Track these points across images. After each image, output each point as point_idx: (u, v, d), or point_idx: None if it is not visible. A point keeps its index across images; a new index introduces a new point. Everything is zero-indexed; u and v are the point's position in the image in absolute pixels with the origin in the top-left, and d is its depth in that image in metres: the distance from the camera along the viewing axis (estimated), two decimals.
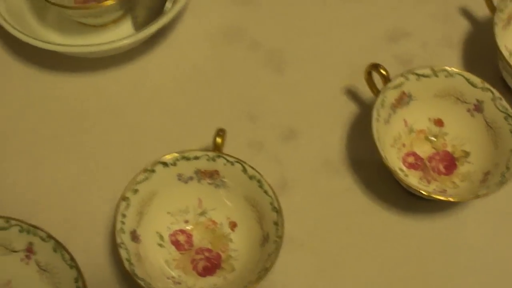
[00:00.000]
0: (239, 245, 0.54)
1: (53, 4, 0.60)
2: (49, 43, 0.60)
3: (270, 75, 0.64)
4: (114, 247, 0.51)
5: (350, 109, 0.62)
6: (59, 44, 0.61)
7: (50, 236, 0.49)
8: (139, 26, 0.65)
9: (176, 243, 0.54)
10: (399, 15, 0.69)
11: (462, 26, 0.68)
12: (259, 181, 0.53)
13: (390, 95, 0.57)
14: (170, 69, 0.64)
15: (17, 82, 0.64)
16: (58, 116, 0.61)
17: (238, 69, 0.65)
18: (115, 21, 0.66)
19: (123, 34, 0.64)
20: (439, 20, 0.69)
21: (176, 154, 0.53)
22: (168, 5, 0.64)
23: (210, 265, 0.53)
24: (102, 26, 0.66)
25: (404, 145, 0.59)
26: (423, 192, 0.53)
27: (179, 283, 0.52)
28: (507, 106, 0.56)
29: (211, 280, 0.53)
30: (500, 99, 0.57)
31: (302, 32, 0.67)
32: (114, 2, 0.60)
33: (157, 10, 0.65)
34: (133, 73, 0.64)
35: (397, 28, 0.68)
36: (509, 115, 0.56)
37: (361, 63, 0.61)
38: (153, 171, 0.53)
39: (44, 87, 0.63)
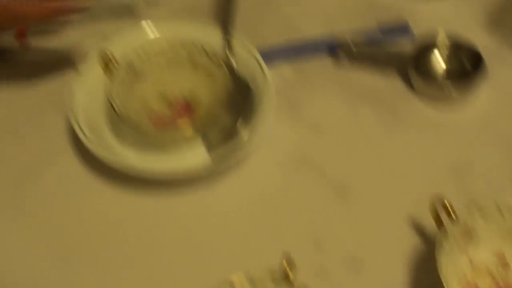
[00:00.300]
0: None
1: (132, 126, 0.64)
2: (121, 162, 0.63)
3: (336, 202, 0.66)
4: None
5: (413, 240, 0.63)
6: (128, 164, 0.64)
7: None
8: (212, 148, 0.68)
9: None
10: (465, 147, 0.70)
11: None
12: None
13: (455, 231, 0.57)
14: (240, 194, 0.66)
15: (89, 197, 0.66)
16: (128, 233, 0.64)
17: (306, 195, 0.66)
18: (190, 144, 0.69)
19: (197, 155, 0.67)
20: (507, 155, 0.69)
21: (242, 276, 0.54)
22: (243, 133, 0.67)
23: None
24: (177, 148, 0.69)
25: (468, 283, 0.59)
26: None
27: None
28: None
29: None
30: None
31: (369, 162, 0.69)
32: (190, 130, 0.63)
33: (229, 134, 0.68)
34: (204, 195, 0.66)
35: (462, 160, 0.69)
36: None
37: (426, 194, 0.62)
38: None
39: (116, 202, 0.66)
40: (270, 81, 0.67)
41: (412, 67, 0.74)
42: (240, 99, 0.68)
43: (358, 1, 0.84)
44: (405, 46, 0.76)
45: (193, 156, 0.67)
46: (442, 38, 0.76)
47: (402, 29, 0.80)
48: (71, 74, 0.75)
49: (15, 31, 0.80)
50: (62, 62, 0.78)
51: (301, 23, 0.82)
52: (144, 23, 0.74)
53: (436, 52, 0.77)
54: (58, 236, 0.63)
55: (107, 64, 0.68)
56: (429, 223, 0.61)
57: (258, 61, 0.70)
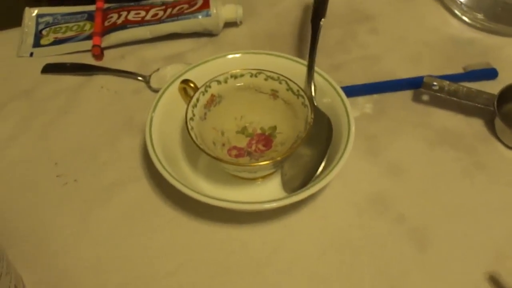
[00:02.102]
0: None
1: (209, 156, 0.62)
2: (195, 192, 0.61)
3: (412, 251, 0.63)
4: None
5: None
6: (203, 195, 0.62)
7: None
8: (287, 183, 0.66)
9: None
10: None
11: None
12: None
13: None
14: (314, 232, 0.65)
15: (158, 224, 0.66)
16: (196, 263, 0.62)
17: (381, 240, 0.64)
18: (265, 176, 0.67)
19: (271, 190, 0.66)
20: None
21: None
22: (320, 169, 0.65)
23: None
24: (252, 180, 0.67)
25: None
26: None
27: None
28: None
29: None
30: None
31: (449, 210, 0.66)
32: (269, 163, 0.62)
33: (306, 168, 0.66)
34: (277, 231, 0.65)
35: None
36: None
37: (508, 251, 0.59)
38: None
39: (188, 232, 0.65)
40: (351, 118, 0.65)
41: (496, 111, 0.71)
42: (320, 134, 0.66)
43: (444, 41, 0.82)
44: (490, 89, 0.73)
45: (268, 188, 0.67)
46: None
47: (488, 72, 0.77)
48: (148, 96, 0.74)
49: (92, 47, 0.80)
50: (138, 84, 0.78)
51: (385, 61, 0.81)
52: (230, 53, 0.72)
53: None
54: (126, 263, 0.62)
55: (187, 90, 0.67)
56: (510, 281, 0.58)
57: (340, 96, 0.68)
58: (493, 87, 0.73)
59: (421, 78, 0.74)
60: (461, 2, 0.84)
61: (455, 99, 0.73)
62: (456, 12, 0.85)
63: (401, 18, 0.85)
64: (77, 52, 0.83)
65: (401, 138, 0.72)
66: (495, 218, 0.65)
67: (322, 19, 0.73)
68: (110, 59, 0.82)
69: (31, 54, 0.83)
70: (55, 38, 0.85)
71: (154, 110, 0.68)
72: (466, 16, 0.84)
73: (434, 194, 0.67)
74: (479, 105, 0.73)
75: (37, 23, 0.87)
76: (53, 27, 0.86)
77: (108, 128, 0.74)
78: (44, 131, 0.74)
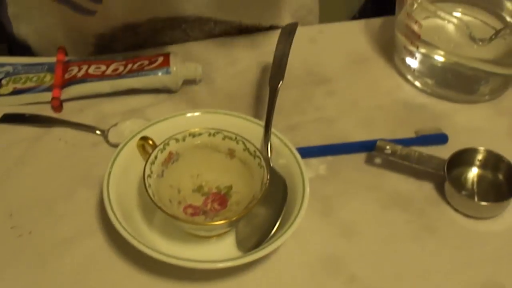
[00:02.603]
0: None
1: (166, 213, 0.63)
2: (150, 248, 0.62)
3: None
4: None
5: None
6: (158, 252, 0.62)
7: None
8: (241, 242, 0.67)
9: None
10: (496, 268, 0.69)
11: None
12: None
13: None
14: None
15: (113, 279, 0.66)
16: None
17: None
18: (220, 234, 0.68)
19: (226, 248, 0.67)
20: None
21: None
22: (275, 229, 0.66)
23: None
24: (207, 237, 0.68)
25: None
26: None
27: None
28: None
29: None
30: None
31: (400, 272, 0.68)
32: (223, 223, 0.63)
33: (261, 228, 0.67)
34: (229, 287, 0.65)
35: (492, 282, 0.67)
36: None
37: None
38: None
39: (138, 286, 0.65)
40: (306, 179, 0.67)
41: (446, 175, 0.73)
42: (275, 194, 0.68)
43: (397, 105, 0.85)
44: (441, 154, 0.75)
45: (223, 246, 0.68)
46: (478, 151, 0.76)
47: (438, 137, 0.80)
48: (106, 151, 0.75)
49: (52, 99, 0.80)
50: (96, 138, 0.78)
51: (339, 124, 0.83)
52: (189, 112, 0.74)
53: (471, 164, 0.77)
54: None
55: (146, 147, 0.68)
56: None
57: (295, 158, 0.70)
58: (444, 152, 0.76)
59: (374, 141, 0.76)
60: (413, 68, 0.86)
61: (407, 163, 0.75)
62: (409, 77, 0.88)
63: (356, 81, 0.88)
64: (36, 103, 0.82)
65: (354, 199, 0.74)
66: (445, 281, 0.67)
67: (280, 82, 0.74)
68: (69, 112, 0.82)
69: None
70: (15, 88, 0.85)
71: (112, 166, 0.69)
72: (418, 82, 0.87)
73: (386, 256, 0.69)
74: (430, 170, 0.75)
75: None
76: (13, 77, 0.87)
77: (65, 180, 0.74)
78: (1, 181, 0.73)
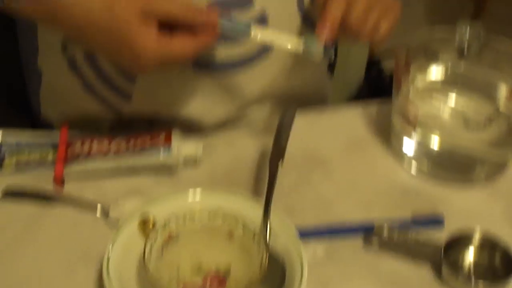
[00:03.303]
0: None
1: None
2: None
3: None
4: None
5: None
6: None
7: None
8: None
9: None
10: None
11: None
12: None
13: None
14: None
15: None
16: None
17: None
18: None
19: None
20: None
21: None
22: None
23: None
24: None
25: None
26: None
27: None
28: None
29: None
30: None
31: None
32: None
33: None
34: None
35: None
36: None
37: None
38: None
39: None
40: (305, 261, 0.68)
41: (443, 259, 0.74)
42: (273, 275, 0.68)
43: (394, 188, 0.86)
44: (437, 237, 0.76)
45: None
46: (475, 234, 0.76)
47: (435, 219, 0.81)
48: (106, 229, 0.75)
49: (54, 175, 0.81)
50: (96, 214, 0.79)
51: (337, 205, 0.84)
52: (189, 191, 0.75)
53: (467, 247, 0.77)
54: None
55: (145, 225, 0.69)
56: None
57: (294, 239, 0.71)
58: (440, 234, 0.77)
59: (371, 223, 0.77)
60: (410, 152, 0.88)
61: (404, 246, 0.76)
62: (405, 160, 0.90)
63: (354, 165, 0.89)
64: (38, 179, 0.84)
65: (352, 281, 0.74)
66: None
67: (281, 160, 0.76)
68: (70, 189, 0.83)
69: None
70: (18, 163, 0.86)
71: (112, 244, 0.69)
72: (414, 165, 0.89)
73: None
74: (427, 252, 0.75)
75: (1, 146, 0.88)
76: (16, 151, 0.88)
77: (65, 258, 0.75)
78: (0, 257, 0.74)
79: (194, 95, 0.87)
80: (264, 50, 0.86)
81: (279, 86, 0.93)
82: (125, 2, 0.69)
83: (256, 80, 0.89)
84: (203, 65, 0.84)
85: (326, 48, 0.75)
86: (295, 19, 0.88)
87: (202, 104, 0.88)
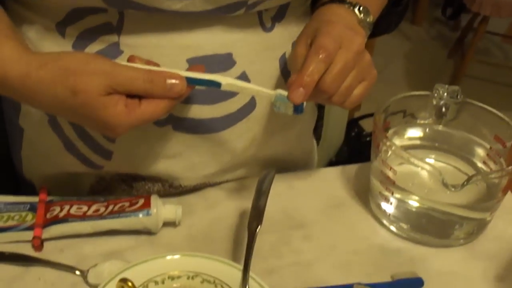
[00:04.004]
0: None
1: None
2: None
3: None
4: None
5: None
6: None
7: None
8: None
9: None
10: None
11: None
12: None
13: None
14: None
15: None
16: None
17: None
18: None
19: None
20: None
21: None
22: None
23: None
24: None
25: None
26: None
27: None
28: None
29: None
30: None
31: None
32: None
33: None
34: None
35: None
36: None
37: None
38: None
39: None
40: None
41: None
42: None
43: (373, 249, 0.87)
44: None
45: None
46: None
47: (414, 281, 0.82)
48: None
49: (33, 238, 0.81)
50: (76, 278, 0.79)
51: (317, 267, 0.84)
52: (168, 255, 0.75)
53: None
54: None
55: None
56: None
57: None
58: None
59: (350, 285, 0.77)
60: (388, 213, 0.89)
61: None
62: (384, 221, 0.90)
63: (333, 226, 0.89)
64: (16, 242, 0.83)
65: None
66: None
67: (259, 226, 0.76)
68: (49, 251, 0.83)
69: None
70: None
71: None
72: (393, 226, 0.89)
73: None
74: None
75: None
76: None
77: None
78: None
79: (173, 154, 0.88)
80: (247, 109, 0.87)
81: (262, 148, 0.93)
82: (86, 84, 0.70)
83: (237, 140, 0.89)
84: (183, 125, 0.85)
85: (296, 106, 0.76)
86: (277, 80, 0.89)
87: (182, 162, 0.88)
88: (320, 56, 0.74)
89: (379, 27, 0.92)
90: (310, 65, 0.74)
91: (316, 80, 0.74)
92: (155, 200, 0.86)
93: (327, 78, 0.75)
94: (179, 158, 0.88)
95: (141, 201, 0.87)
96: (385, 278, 0.82)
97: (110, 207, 0.87)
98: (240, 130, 0.88)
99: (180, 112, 0.83)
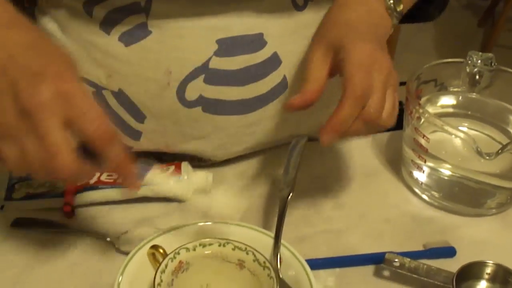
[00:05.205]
0: None
1: None
2: None
3: None
4: None
5: None
6: None
7: None
8: None
9: None
10: None
11: None
12: None
13: None
14: None
15: None
16: None
17: None
18: None
19: None
20: None
21: None
22: None
23: None
24: None
25: None
26: None
27: None
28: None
29: None
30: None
31: None
32: None
33: None
34: None
35: None
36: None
37: None
38: None
39: None
40: None
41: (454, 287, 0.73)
42: None
43: (405, 218, 0.86)
44: (449, 267, 0.76)
45: None
46: (486, 265, 0.76)
47: (447, 250, 0.81)
48: (116, 258, 0.76)
49: (64, 205, 0.82)
50: (107, 245, 0.79)
51: (348, 236, 0.84)
52: (200, 224, 0.76)
53: (479, 278, 0.77)
54: None
55: (156, 256, 0.69)
56: None
57: (305, 270, 0.71)
58: (452, 265, 0.76)
59: (382, 254, 0.77)
60: (420, 181, 0.88)
61: (415, 276, 0.75)
62: (416, 190, 0.89)
63: (364, 194, 0.89)
64: (48, 209, 0.84)
65: None
66: None
67: (291, 194, 0.76)
68: (80, 218, 0.83)
69: (2, 207, 0.85)
70: (27, 193, 0.86)
71: (122, 273, 0.69)
72: (425, 195, 0.88)
73: None
74: (438, 283, 0.75)
75: (10, 177, 0.88)
76: (25, 182, 0.88)
77: (73, 286, 0.74)
78: (11, 285, 0.74)
79: (203, 134, 0.88)
80: (278, 90, 0.86)
81: (298, 129, 0.92)
82: None
83: (269, 121, 0.88)
84: (212, 106, 0.84)
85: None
86: None
87: (211, 142, 0.88)
88: (355, 101, 0.70)
89: (421, 15, 0.89)
90: (345, 110, 0.70)
91: (350, 124, 0.71)
92: (185, 166, 0.86)
93: (370, 116, 0.72)
94: (208, 138, 0.87)
95: (172, 168, 0.86)
96: (417, 247, 0.82)
97: None
98: (271, 111, 0.87)
99: (209, 94, 0.82)
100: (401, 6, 0.79)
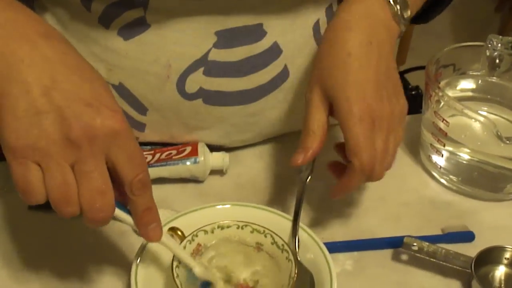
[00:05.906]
0: None
1: None
2: None
3: None
4: None
5: None
6: None
7: None
8: None
9: None
10: None
11: None
12: None
13: None
14: None
15: None
16: None
17: None
18: None
19: None
20: None
21: None
22: None
23: None
24: None
25: None
26: None
27: None
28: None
29: None
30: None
31: None
32: None
33: None
34: None
35: None
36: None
37: None
38: None
39: None
40: (334, 275, 0.67)
41: (473, 273, 0.73)
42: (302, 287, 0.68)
43: (423, 202, 0.86)
44: (467, 251, 0.76)
45: None
46: (506, 249, 0.76)
47: (465, 235, 0.80)
48: (134, 239, 0.76)
49: None
50: (125, 226, 0.79)
51: (366, 219, 0.84)
52: (218, 204, 0.76)
53: (498, 262, 0.77)
54: None
55: (174, 237, 0.69)
56: None
57: (323, 253, 0.71)
58: (470, 250, 0.76)
59: (401, 238, 0.76)
60: (439, 165, 0.87)
61: (433, 260, 0.75)
62: (435, 174, 0.89)
63: (383, 178, 0.88)
64: None
65: None
66: None
67: (309, 176, 0.75)
68: None
69: None
70: None
71: (140, 255, 0.69)
72: (444, 179, 0.88)
73: None
74: (457, 267, 0.74)
75: None
76: None
77: (92, 268, 0.75)
78: (28, 267, 0.75)
79: (206, 126, 0.87)
80: (279, 79, 0.85)
81: (298, 114, 0.91)
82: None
83: (271, 111, 0.87)
84: (213, 98, 0.83)
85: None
86: (311, 48, 0.86)
87: (216, 132, 0.87)
88: (362, 173, 0.71)
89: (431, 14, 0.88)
90: (352, 182, 0.73)
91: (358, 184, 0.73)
92: (202, 147, 0.86)
93: (373, 180, 0.74)
94: (213, 128, 0.86)
95: (188, 149, 0.86)
96: (436, 231, 0.81)
97: (157, 155, 0.87)
98: (273, 100, 0.86)
99: (209, 86, 0.81)
100: (409, 12, 0.77)
